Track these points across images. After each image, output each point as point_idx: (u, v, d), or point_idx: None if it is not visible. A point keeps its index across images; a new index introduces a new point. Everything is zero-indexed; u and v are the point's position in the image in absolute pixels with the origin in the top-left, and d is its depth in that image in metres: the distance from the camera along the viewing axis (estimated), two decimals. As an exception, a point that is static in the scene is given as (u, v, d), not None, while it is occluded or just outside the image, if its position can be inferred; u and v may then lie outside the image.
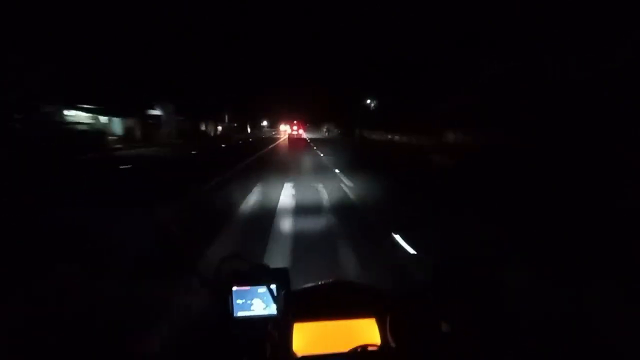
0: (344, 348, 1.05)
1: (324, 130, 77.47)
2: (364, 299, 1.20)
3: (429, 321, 0.99)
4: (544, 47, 14.56)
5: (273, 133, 77.75)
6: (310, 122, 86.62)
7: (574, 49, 13.24)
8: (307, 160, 15.69)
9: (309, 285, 1.27)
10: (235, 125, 66.69)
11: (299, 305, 1.12)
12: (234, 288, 1.12)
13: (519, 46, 15.94)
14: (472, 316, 0.94)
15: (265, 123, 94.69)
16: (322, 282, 1.30)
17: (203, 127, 47.47)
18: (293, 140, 33.16)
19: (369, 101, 45.24)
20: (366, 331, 1.12)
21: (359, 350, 1.02)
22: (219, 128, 56.09)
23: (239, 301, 1.12)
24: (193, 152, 19.77)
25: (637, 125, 9.89)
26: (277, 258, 3.71)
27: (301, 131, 40.23)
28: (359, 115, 45.52)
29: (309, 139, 43.70)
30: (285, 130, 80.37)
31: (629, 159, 9.50)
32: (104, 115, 24.04)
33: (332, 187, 8.30)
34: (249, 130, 75.38)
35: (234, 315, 1.12)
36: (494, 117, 17.05)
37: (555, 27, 13.75)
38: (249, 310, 1.12)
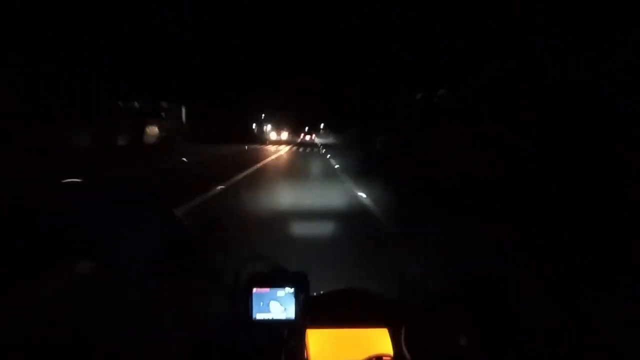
0: (358, 357, 1.04)
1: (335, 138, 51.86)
2: (378, 309, 1.19)
3: (446, 334, 0.99)
4: (544, 47, 14.54)
5: (261, 145, 39.50)
6: (329, 126, 72.23)
7: (574, 49, 13.22)
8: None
9: (325, 291, 1.28)
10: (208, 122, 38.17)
11: (314, 311, 1.12)
12: (254, 290, 1.12)
13: (519, 46, 15.92)
14: (490, 330, 0.94)
15: (269, 127, 67.11)
16: (338, 289, 1.30)
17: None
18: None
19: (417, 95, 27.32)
20: (380, 341, 1.12)
21: (373, 359, 1.01)
22: (155, 130, 31.44)
23: (258, 303, 1.12)
24: None
25: (637, 125, 9.88)
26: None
27: (314, 136, 33.08)
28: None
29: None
30: (279, 140, 58.17)
31: (629, 159, 9.49)
32: None
33: None
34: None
35: (253, 317, 1.12)
36: (493, 117, 17.02)
37: (555, 27, 13.74)
38: (268, 312, 1.13)
